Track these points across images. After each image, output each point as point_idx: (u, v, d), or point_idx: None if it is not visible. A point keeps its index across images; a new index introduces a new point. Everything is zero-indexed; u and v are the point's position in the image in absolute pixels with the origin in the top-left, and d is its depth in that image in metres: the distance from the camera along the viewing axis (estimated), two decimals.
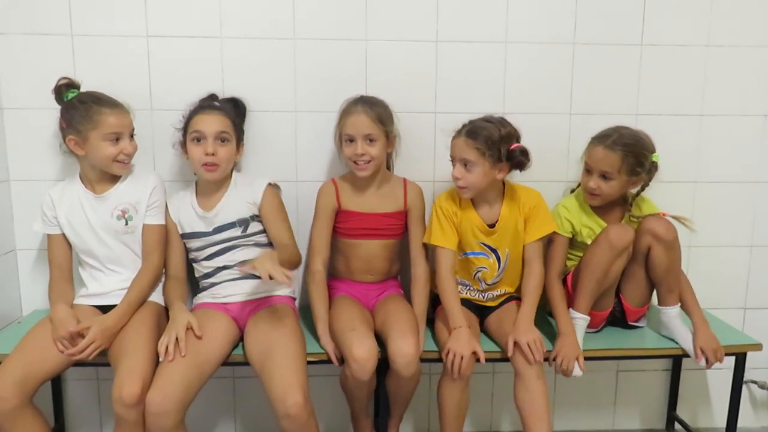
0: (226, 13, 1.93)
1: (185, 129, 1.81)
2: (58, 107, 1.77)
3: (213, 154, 1.75)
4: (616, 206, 1.91)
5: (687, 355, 1.81)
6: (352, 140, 1.80)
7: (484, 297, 1.90)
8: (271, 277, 1.50)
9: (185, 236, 1.86)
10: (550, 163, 2.03)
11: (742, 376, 1.86)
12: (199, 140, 1.76)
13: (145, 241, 1.81)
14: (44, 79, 1.90)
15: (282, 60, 1.96)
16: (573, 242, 1.93)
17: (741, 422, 1.92)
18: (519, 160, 1.71)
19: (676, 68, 2.05)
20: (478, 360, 1.70)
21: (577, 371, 1.70)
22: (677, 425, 2.24)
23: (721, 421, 1.94)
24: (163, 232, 1.84)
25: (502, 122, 1.73)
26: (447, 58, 2.00)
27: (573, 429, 2.27)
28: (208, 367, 1.63)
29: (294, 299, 1.91)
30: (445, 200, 1.83)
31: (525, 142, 1.75)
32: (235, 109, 1.89)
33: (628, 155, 1.77)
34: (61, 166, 1.97)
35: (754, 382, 2.24)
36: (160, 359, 1.59)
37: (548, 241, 1.89)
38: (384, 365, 1.71)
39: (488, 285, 1.88)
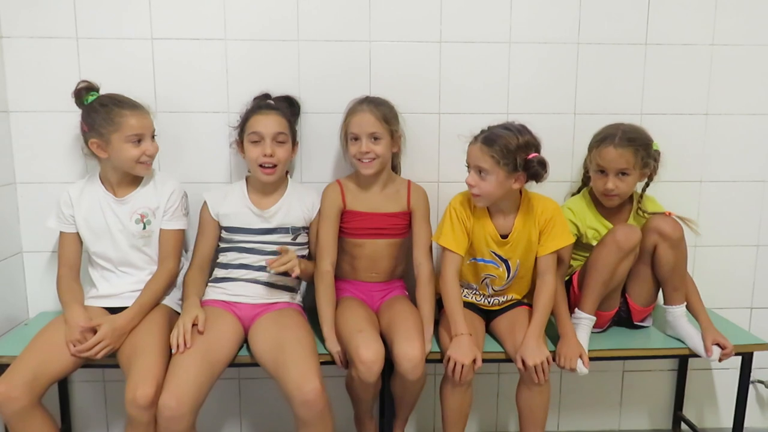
0: (230, 15, 1.94)
1: (242, 129, 1.83)
2: (64, 110, 1.77)
3: (271, 155, 1.77)
4: (622, 206, 1.91)
5: (693, 355, 1.80)
6: (357, 138, 1.81)
7: (489, 302, 1.89)
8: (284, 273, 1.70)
9: (231, 229, 1.86)
10: (554, 164, 1.98)
11: (749, 376, 1.86)
12: (257, 141, 1.78)
13: (162, 246, 1.82)
14: (50, 82, 1.92)
15: (286, 61, 1.97)
16: (578, 242, 1.92)
17: (748, 422, 1.91)
18: (536, 170, 1.64)
19: (681, 67, 2.05)
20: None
21: (581, 369, 1.69)
22: (683, 425, 2.23)
23: (728, 421, 1.93)
24: (180, 237, 1.85)
25: (520, 130, 1.67)
26: (450, 58, 2.00)
27: (579, 429, 2.27)
28: (218, 366, 1.64)
29: (301, 307, 1.92)
30: (460, 203, 1.80)
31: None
32: (290, 108, 1.91)
33: (639, 148, 1.79)
34: (67, 168, 1.97)
35: (761, 382, 2.24)
36: (173, 352, 1.61)
37: None
38: (389, 367, 1.71)
39: (495, 291, 1.87)
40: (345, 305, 1.84)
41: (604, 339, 1.86)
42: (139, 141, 1.73)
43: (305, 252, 1.92)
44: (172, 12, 1.92)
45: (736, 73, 2.06)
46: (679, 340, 1.84)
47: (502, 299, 1.89)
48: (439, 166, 2.05)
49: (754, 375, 2.10)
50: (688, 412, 2.25)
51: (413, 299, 1.89)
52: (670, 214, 1.80)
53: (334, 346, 1.74)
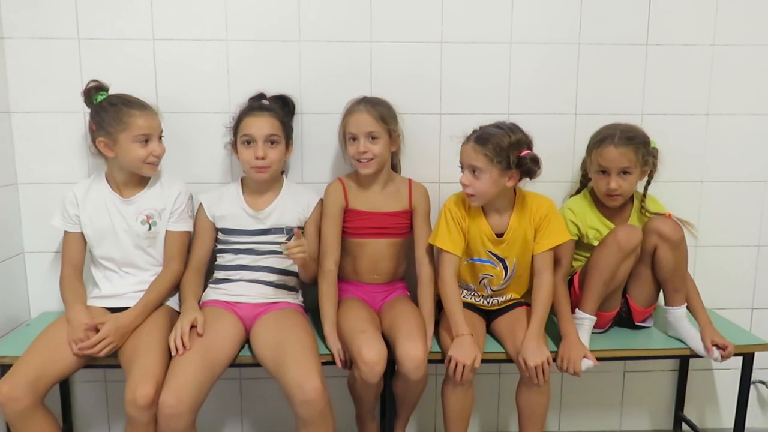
0: (232, 15, 1.94)
1: (235, 130, 1.83)
2: (66, 111, 1.78)
3: (263, 158, 1.77)
4: (623, 206, 1.91)
5: (694, 355, 1.81)
6: (355, 138, 1.82)
7: (488, 302, 1.89)
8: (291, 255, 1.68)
9: (226, 231, 1.86)
10: (555, 164, 2.02)
11: (750, 377, 1.86)
12: (249, 143, 1.78)
13: (168, 247, 1.82)
14: (52, 83, 1.93)
15: (287, 62, 1.97)
16: (580, 243, 1.93)
17: (749, 423, 1.91)
18: (529, 167, 1.67)
19: (681, 68, 2.05)
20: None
21: (588, 364, 1.70)
22: (684, 426, 2.23)
23: (729, 422, 1.93)
24: (186, 239, 1.85)
25: (512, 128, 1.70)
26: (452, 59, 2.00)
27: (580, 430, 2.27)
28: (218, 366, 1.64)
29: (301, 307, 1.92)
30: (455, 204, 1.81)
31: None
32: (284, 108, 1.91)
33: (639, 146, 1.80)
34: (69, 168, 1.98)
35: (762, 383, 2.23)
36: (173, 354, 1.61)
37: None
38: (390, 367, 1.71)
39: (494, 291, 1.88)
40: (347, 306, 1.84)
41: (605, 339, 1.86)
42: (147, 141, 1.74)
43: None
44: (174, 13, 1.93)
45: (736, 73, 2.06)
46: (680, 340, 1.84)
47: (501, 299, 1.89)
48: (440, 166, 2.05)
49: (755, 375, 2.10)
50: (689, 412, 2.25)
51: (415, 300, 1.90)
52: (670, 215, 1.80)
53: (334, 344, 1.75)
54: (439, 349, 1.78)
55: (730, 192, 2.13)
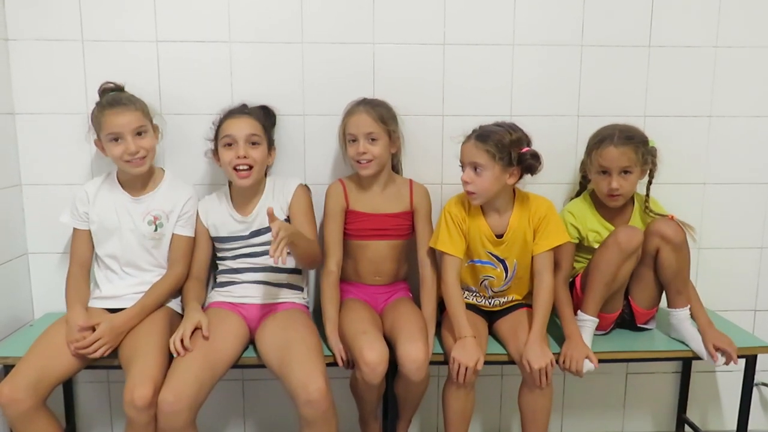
0: (235, 17, 1.94)
1: (216, 136, 1.82)
2: (70, 112, 1.80)
3: (245, 157, 1.76)
4: (623, 207, 1.91)
5: (697, 358, 1.80)
6: (354, 139, 1.82)
7: (490, 303, 1.90)
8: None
9: (221, 240, 1.87)
10: (558, 165, 2.02)
11: (753, 379, 1.85)
12: (230, 144, 1.78)
13: (173, 251, 1.83)
14: (56, 84, 1.93)
15: (290, 64, 1.97)
16: (581, 245, 1.93)
17: (751, 425, 1.91)
18: (530, 163, 1.69)
19: (684, 69, 2.05)
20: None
21: (589, 366, 1.70)
22: (687, 428, 2.22)
23: (732, 424, 1.93)
24: (191, 244, 1.86)
25: (512, 127, 1.72)
26: (454, 60, 2.00)
27: None
28: (220, 367, 1.64)
29: (307, 307, 1.92)
30: (455, 205, 1.82)
31: (533, 144, 1.75)
32: (265, 116, 1.90)
33: (639, 145, 1.81)
34: (73, 170, 1.98)
35: (765, 385, 2.23)
36: (174, 356, 1.61)
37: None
38: (393, 368, 1.71)
39: (495, 292, 1.88)
40: (349, 307, 1.85)
41: (607, 341, 1.86)
42: (117, 139, 1.72)
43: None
44: (177, 14, 1.93)
45: (739, 75, 2.06)
46: (682, 342, 1.84)
47: (502, 300, 1.89)
48: (442, 168, 2.05)
49: (758, 377, 2.10)
50: (691, 414, 2.24)
51: (417, 301, 1.90)
52: (672, 217, 1.80)
53: (336, 345, 1.75)
54: (441, 351, 1.78)
55: (733, 194, 2.13)
